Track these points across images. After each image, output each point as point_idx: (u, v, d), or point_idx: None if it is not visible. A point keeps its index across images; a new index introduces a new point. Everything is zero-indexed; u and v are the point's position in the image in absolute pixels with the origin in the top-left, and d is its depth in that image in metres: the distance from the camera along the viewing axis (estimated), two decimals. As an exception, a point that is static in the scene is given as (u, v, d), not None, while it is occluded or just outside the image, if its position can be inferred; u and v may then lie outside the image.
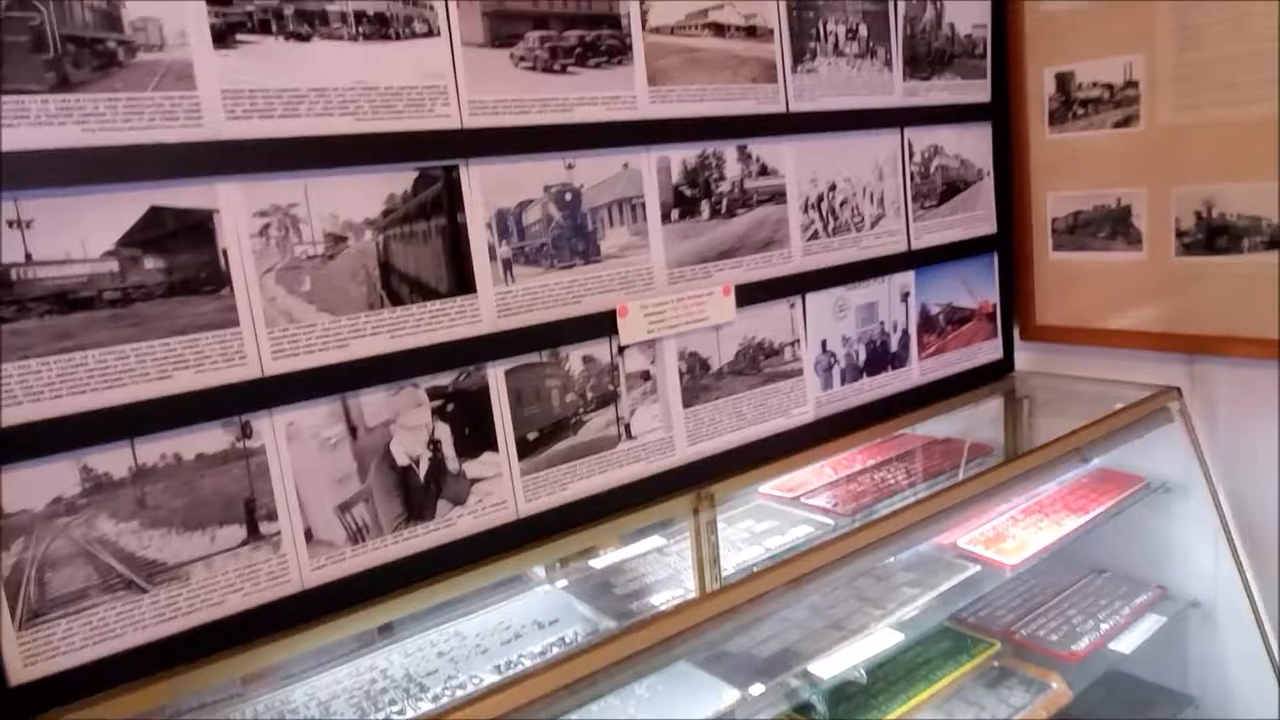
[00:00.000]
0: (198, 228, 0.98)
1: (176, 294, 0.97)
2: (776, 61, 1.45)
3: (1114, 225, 1.73)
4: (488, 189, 1.17)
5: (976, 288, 1.82)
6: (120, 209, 0.93)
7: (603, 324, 1.29)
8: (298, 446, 1.05)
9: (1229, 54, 1.52)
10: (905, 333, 1.69)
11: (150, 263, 0.95)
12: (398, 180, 1.10)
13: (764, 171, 1.46)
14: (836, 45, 1.53)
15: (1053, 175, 1.80)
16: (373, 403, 1.10)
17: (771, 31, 1.44)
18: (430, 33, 1.11)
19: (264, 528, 1.03)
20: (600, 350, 1.29)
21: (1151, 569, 1.79)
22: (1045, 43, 1.76)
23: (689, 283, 1.38)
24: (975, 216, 1.80)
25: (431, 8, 1.11)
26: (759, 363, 1.48)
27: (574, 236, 1.26)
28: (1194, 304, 1.65)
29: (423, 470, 1.15)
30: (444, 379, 1.16)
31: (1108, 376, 1.80)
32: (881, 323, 1.65)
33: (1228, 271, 1.59)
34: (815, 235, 1.54)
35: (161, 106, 0.95)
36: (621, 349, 1.31)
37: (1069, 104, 1.74)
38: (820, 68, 1.51)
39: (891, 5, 1.60)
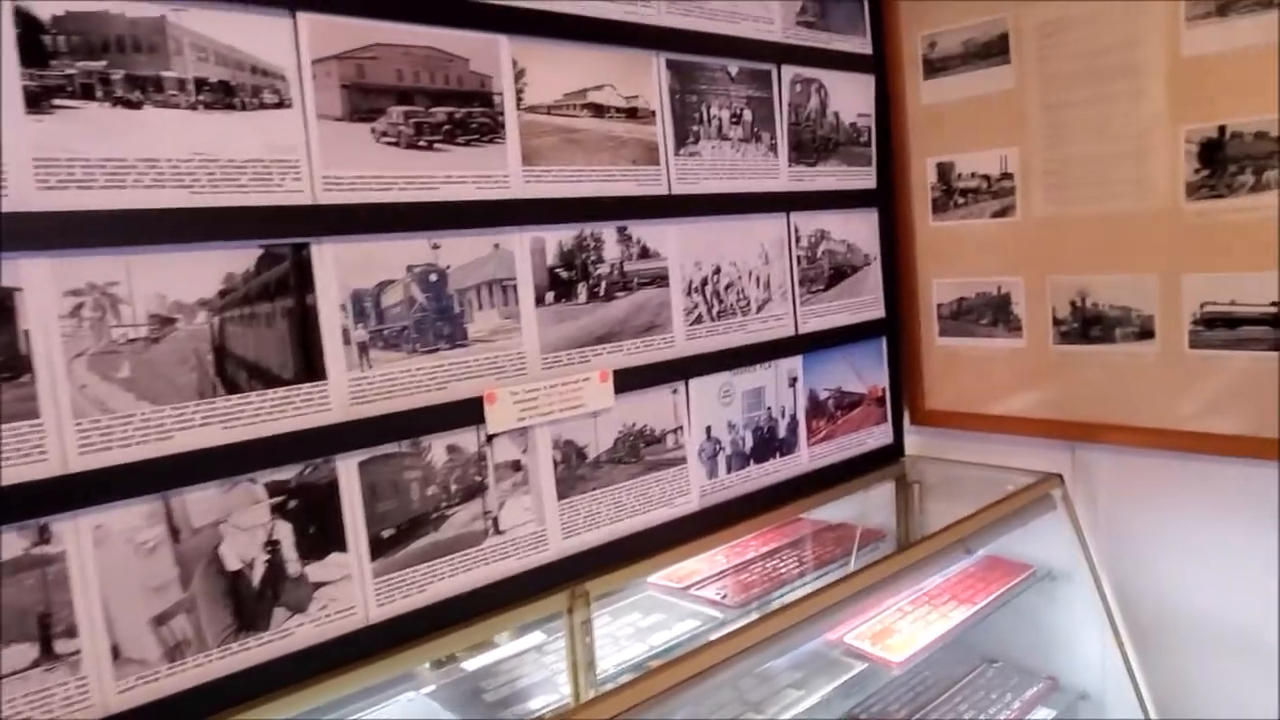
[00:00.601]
0: (-5, 307, 0.88)
1: (-35, 382, 0.86)
2: (659, 143, 1.43)
3: (995, 312, 1.75)
4: (343, 269, 1.10)
5: (865, 372, 1.81)
6: (-101, 286, 0.83)
7: (469, 412, 1.21)
8: (106, 552, 0.94)
9: (1093, 152, 1.56)
10: (793, 418, 1.66)
11: (-66, 347, 0.85)
12: (238, 259, 1.02)
13: (645, 254, 1.42)
14: (720, 129, 1.52)
15: (937, 262, 1.82)
16: (200, 501, 1.00)
17: (653, 114, 1.42)
18: (281, 104, 1.05)
19: (60, 646, 0.91)
20: (466, 439, 1.22)
21: (1042, 658, 1.77)
22: (927, 133, 1.79)
23: (565, 368, 1.32)
24: (863, 301, 1.80)
25: (283, 78, 1.05)
26: (640, 451, 1.42)
27: (439, 319, 1.19)
28: (1073, 391, 1.66)
29: (257, 575, 1.04)
30: (286, 473, 1.06)
31: (994, 462, 1.80)
32: (769, 408, 1.62)
33: (1103, 360, 1.61)
34: (699, 319, 1.50)
35: (-43, 174, 0.85)
36: (490, 438, 1.24)
37: (950, 193, 1.77)
38: (704, 151, 1.49)
39: (776, 92, 1.61)
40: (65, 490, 0.91)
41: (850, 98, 1.75)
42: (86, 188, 0.92)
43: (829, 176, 1.71)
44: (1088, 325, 1.62)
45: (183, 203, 0.98)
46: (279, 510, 1.06)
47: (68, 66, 0.91)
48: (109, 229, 0.93)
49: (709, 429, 1.52)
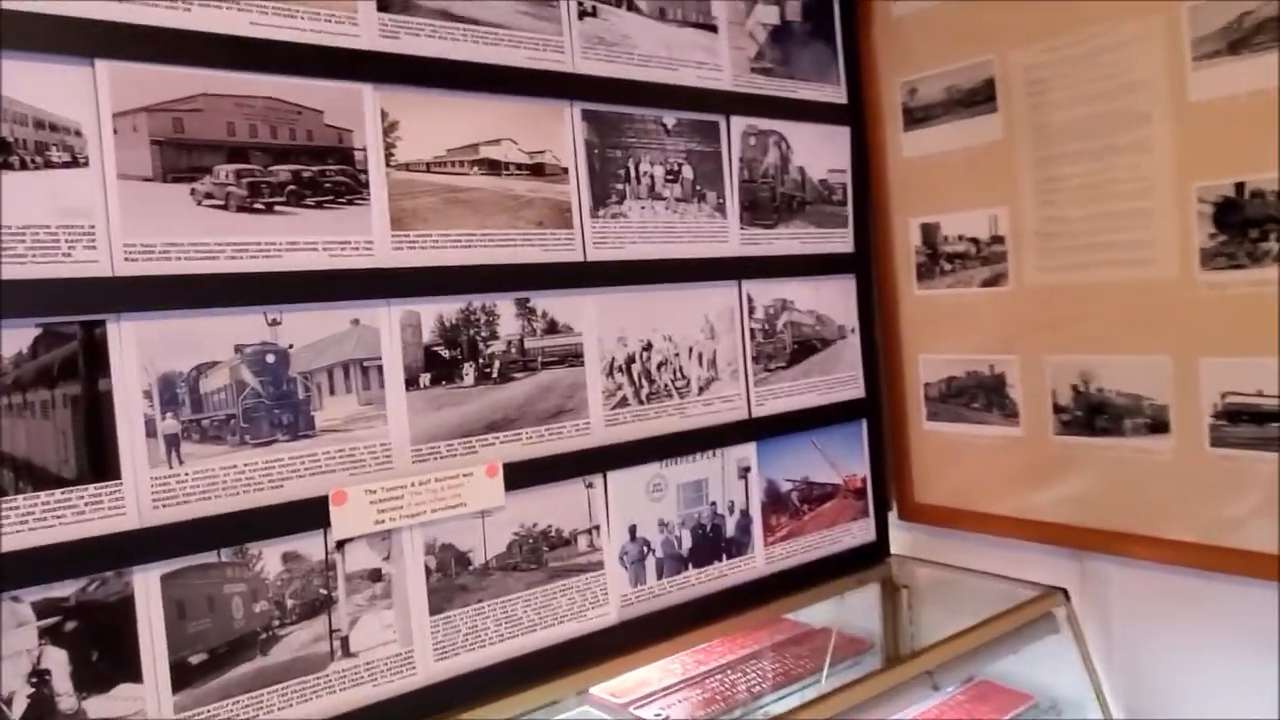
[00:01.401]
0: None
1: None
2: (572, 203, 1.26)
3: (988, 395, 1.51)
4: (150, 349, 0.95)
5: (840, 460, 1.59)
6: None
7: (312, 514, 1.04)
8: None
9: (1093, 213, 1.33)
10: (745, 514, 1.45)
11: None
12: (8, 339, 0.88)
13: (553, 329, 1.24)
14: (653, 188, 1.35)
15: (924, 335, 1.59)
16: (-55, 624, 0.85)
17: (565, 170, 1.26)
18: (74, 162, 0.91)
19: None
20: (309, 546, 1.05)
21: (1047, 806, 1.49)
22: (909, 191, 1.58)
23: (443, 460, 1.14)
24: (837, 379, 1.58)
25: (78, 134, 0.91)
26: (541, 555, 1.23)
27: (276, 406, 1.03)
28: (1079, 491, 1.41)
29: (17, 713, 0.88)
30: (63, 589, 0.90)
31: (993, 568, 1.55)
32: (713, 503, 1.41)
33: (1111, 456, 1.36)
34: (623, 402, 1.31)
35: None
36: (340, 544, 1.07)
37: (936, 258, 1.55)
38: (630, 212, 1.32)
39: (724, 146, 1.43)
40: None
41: (819, 151, 1.55)
42: None
43: (791, 239, 1.52)
44: (1092, 414, 1.38)
45: (-63, 276, 0.84)
46: (51, 633, 0.90)
47: None
48: None
49: (633, 528, 1.32)
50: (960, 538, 1.60)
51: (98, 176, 0.92)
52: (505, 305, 1.20)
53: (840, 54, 1.59)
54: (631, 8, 1.33)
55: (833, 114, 1.57)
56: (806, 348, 1.54)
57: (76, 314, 0.91)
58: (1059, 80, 1.36)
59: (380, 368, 1.10)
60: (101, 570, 0.92)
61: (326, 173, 1.06)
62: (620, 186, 1.31)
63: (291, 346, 1.04)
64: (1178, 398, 1.28)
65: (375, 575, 1.09)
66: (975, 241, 1.49)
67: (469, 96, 1.17)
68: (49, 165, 0.90)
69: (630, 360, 1.32)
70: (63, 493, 0.90)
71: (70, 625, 0.91)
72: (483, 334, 1.18)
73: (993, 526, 1.53)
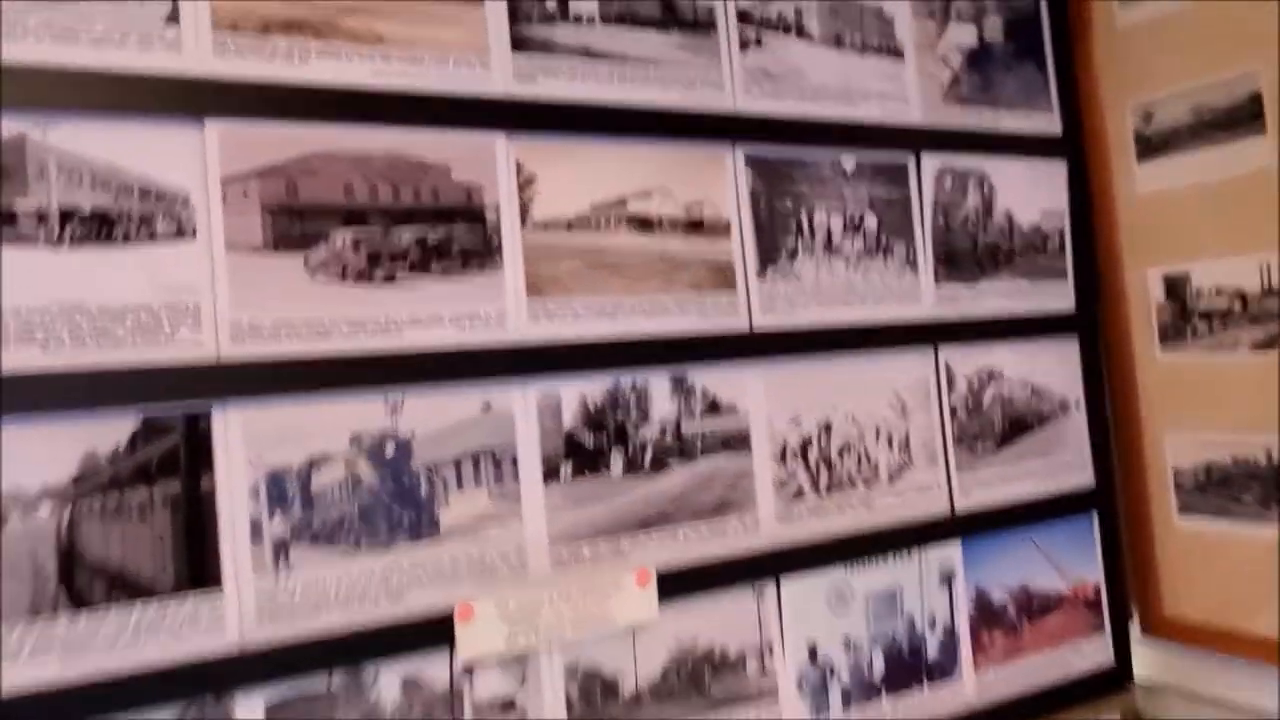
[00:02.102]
0: None
1: None
2: (735, 263, 1.08)
3: (1264, 488, 1.19)
4: (257, 441, 0.84)
5: (1067, 563, 1.30)
6: None
7: (436, 630, 0.89)
8: None
9: None
10: (950, 630, 1.19)
11: None
12: (105, 433, 0.78)
13: (714, 409, 1.06)
14: (830, 242, 1.15)
15: (1171, 409, 1.30)
16: (25, 758, 0.74)
17: (727, 225, 1.08)
18: (180, 233, 0.82)
19: None
20: (433, 670, 0.89)
21: None
22: (1146, 235, 1.31)
23: (585, 565, 0.97)
24: (1059, 463, 1.31)
25: (185, 202, 0.82)
26: (703, 680, 1.03)
27: (396, 504, 0.89)
28: (1407, 617, 1.07)
29: None
30: (160, 714, 0.79)
31: (1269, 705, 1.21)
32: (911, 617, 1.17)
33: None
34: (799, 494, 1.10)
35: None
36: (468, 668, 0.91)
37: (1186, 316, 1.26)
38: (803, 270, 1.13)
39: (914, 190, 1.21)
40: None
41: (1030, 192, 1.31)
42: (-103, 349, 0.73)
43: (998, 297, 1.27)
44: None
45: (30, 364, 0.76)
46: (141, 770, 0.78)
47: (-115, 201, 0.73)
48: (-79, 401, 0.73)
49: (814, 648, 1.10)
50: (1225, 663, 1.27)
51: (205, 248, 0.83)
52: (658, 383, 1.03)
53: (1052, 75, 1.35)
54: (802, 34, 1.15)
55: (1045, 147, 1.33)
56: (1019, 425, 1.28)
57: (180, 402, 0.81)
58: (1356, 87, 1.07)
59: (515, 458, 0.95)
60: (199, 693, 0.80)
61: (454, 236, 0.93)
62: (791, 242, 1.12)
63: (414, 435, 0.90)
64: None
65: (508, 705, 0.93)
66: (1240, 295, 1.20)
67: (616, 143, 1.02)
68: (153, 238, 0.81)
69: (806, 444, 1.11)
70: (161, 605, 0.79)
71: (161, 761, 0.79)
72: (632, 417, 1.01)
73: (1268, 652, 1.20)
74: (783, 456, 1.10)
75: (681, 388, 1.04)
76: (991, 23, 1.30)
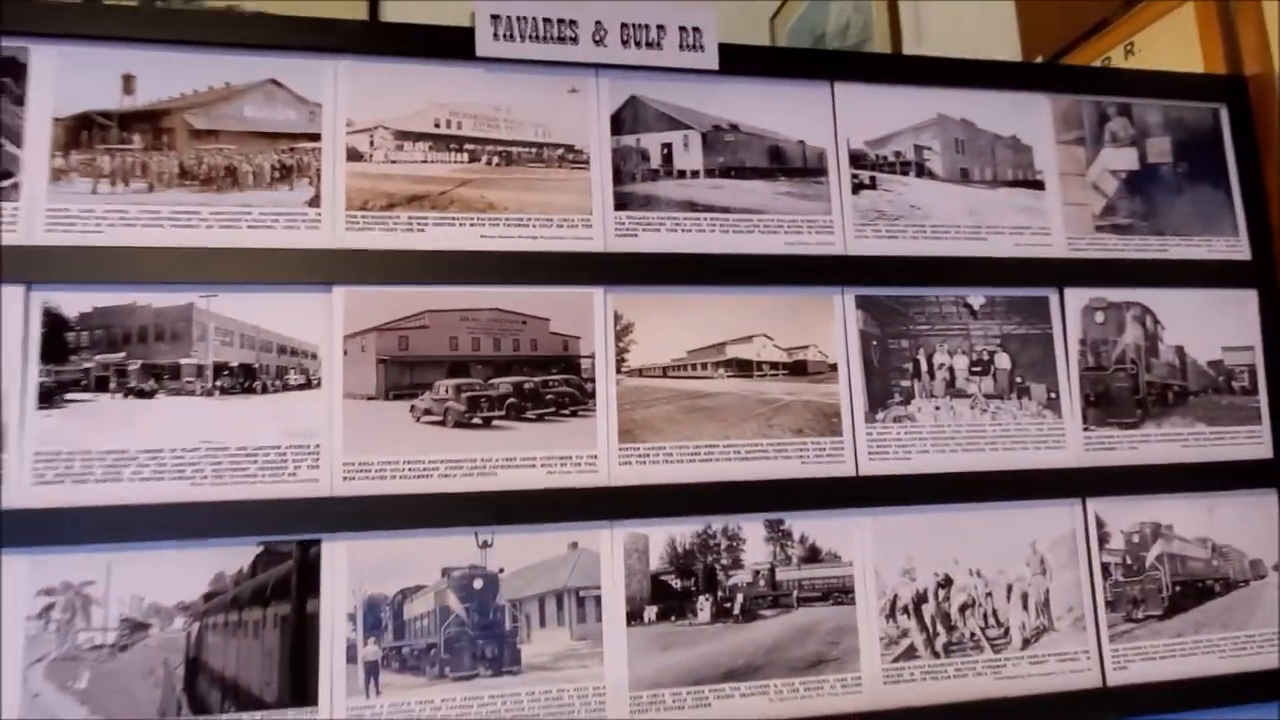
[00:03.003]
0: (-33, 605, 0.86)
1: (-75, 681, 0.84)
2: (841, 406, 1.06)
3: None
4: (359, 571, 0.93)
5: (1264, 757, 1.11)
6: (-116, 581, 0.85)
7: (513, 764, 0.93)
8: None
9: None
10: (1100, 824, 1.05)
11: (-96, 644, 0.85)
12: (232, 557, 0.91)
13: (814, 557, 1.03)
14: (952, 382, 1.09)
15: (1402, 585, 1.08)
16: (145, 842, 0.86)
17: (833, 367, 1.07)
18: (308, 384, 0.95)
19: None
20: (507, 801, 0.93)
21: None
22: (1360, 375, 1.12)
23: (669, 713, 0.97)
24: (1251, 639, 1.12)
25: (314, 356, 0.95)
26: None
27: (480, 637, 0.95)
28: None
29: None
30: (254, 821, 0.88)
31: None
32: (1047, 802, 1.04)
33: None
34: (909, 653, 1.03)
35: (-41, 471, 0.87)
36: (542, 803, 0.93)
37: None
38: (920, 413, 1.08)
39: (1058, 326, 1.13)
40: (-3, 812, 0.84)
41: (1207, 325, 1.17)
42: (81, 481, 0.89)
43: (1166, 442, 1.14)
44: None
45: (179, 496, 0.90)
46: None
47: (86, 360, 0.91)
48: (95, 525, 0.88)
49: (924, 826, 1.01)
50: None
51: (326, 397, 0.95)
52: (753, 528, 1.02)
53: (1238, 196, 1.21)
54: (923, 174, 1.13)
55: (1229, 274, 1.19)
56: (1197, 591, 1.12)
57: (294, 533, 0.92)
58: None
59: (598, 598, 0.98)
60: (290, 805, 0.89)
61: (549, 383, 1.00)
62: (906, 383, 1.08)
63: (502, 571, 0.96)
64: None
65: (579, 847, 0.94)
66: None
67: (716, 291, 1.05)
68: (286, 388, 0.94)
69: (920, 599, 1.05)
70: (264, 716, 0.89)
71: None
72: (723, 561, 1.01)
73: None
74: (892, 612, 1.04)
75: (777, 532, 1.03)
76: (1157, 144, 1.20)
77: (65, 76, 0.93)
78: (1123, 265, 1.15)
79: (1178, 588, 1.11)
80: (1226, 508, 1.14)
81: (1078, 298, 1.14)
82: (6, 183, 0.91)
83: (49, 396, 0.90)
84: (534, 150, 1.03)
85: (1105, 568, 1.10)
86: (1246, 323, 1.18)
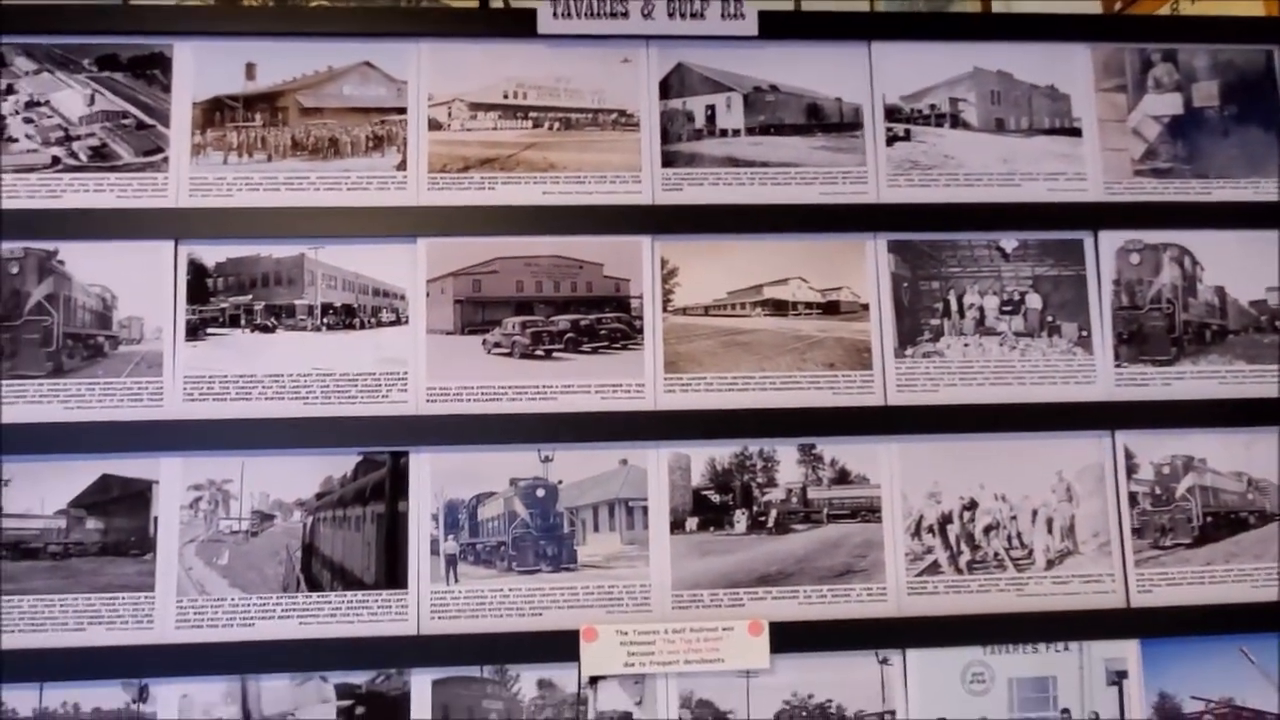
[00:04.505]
0: (137, 496, 1.08)
1: (107, 553, 1.07)
2: (872, 342, 1.15)
3: None
4: (441, 478, 1.10)
5: (1297, 684, 1.14)
6: (76, 475, 1.08)
7: (567, 645, 1.08)
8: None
9: None
10: (1118, 734, 1.12)
11: (91, 523, 1.07)
12: (338, 463, 1.10)
13: (843, 479, 1.13)
14: (981, 320, 1.16)
15: None
16: (273, 690, 1.06)
17: (865, 307, 1.16)
18: (397, 321, 1.12)
19: (126, 799, 1.04)
20: (565, 677, 1.08)
21: None
22: (1407, 311, 1.12)
23: (705, 610, 1.10)
24: (1288, 569, 1.15)
25: (403, 298, 1.12)
26: (816, 733, 1.09)
27: (543, 538, 1.10)
28: None
29: (310, 777, 1.05)
30: (357, 678, 1.07)
31: None
32: (1065, 711, 1.11)
33: None
34: (934, 568, 1.13)
35: (130, 390, 1.09)
36: (593, 680, 1.08)
37: None
38: (949, 349, 1.16)
39: (1093, 267, 1.18)
40: (162, 658, 1.05)
41: (1251, 266, 1.19)
42: (221, 399, 1.10)
43: (1202, 379, 1.17)
44: None
45: (296, 412, 1.10)
46: (346, 714, 1.06)
47: (221, 302, 1.11)
48: (231, 434, 1.08)
49: (943, 723, 1.11)
50: None
51: (412, 332, 1.12)
52: (786, 451, 1.13)
53: (1287, 137, 1.21)
54: (958, 124, 1.19)
55: (1274, 216, 1.20)
56: (1230, 522, 1.15)
57: (388, 445, 1.10)
58: None
59: (645, 508, 1.11)
60: (386, 666, 1.07)
61: (603, 320, 1.13)
62: (935, 321, 1.16)
63: (561, 482, 1.11)
64: None
65: (626, 718, 1.08)
66: None
67: (754, 238, 1.16)
68: (379, 325, 1.12)
69: (945, 520, 1.13)
70: (365, 594, 1.08)
71: (360, 710, 1.07)
72: (759, 480, 1.13)
73: None
74: (918, 530, 1.13)
75: (810, 456, 1.13)
76: (1204, 88, 1.21)
77: (201, 67, 1.13)
78: (1161, 208, 1.19)
79: (1209, 519, 1.15)
80: (1267, 444, 1.17)
81: (1112, 240, 1.18)
82: (158, 157, 1.12)
83: (194, 331, 1.11)
84: (590, 115, 1.17)
85: (1133, 497, 1.15)
86: (1294, 263, 1.20)
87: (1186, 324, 1.18)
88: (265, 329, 1.11)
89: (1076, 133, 1.20)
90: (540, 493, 1.11)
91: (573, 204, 1.14)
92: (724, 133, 1.17)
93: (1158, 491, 1.15)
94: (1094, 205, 1.19)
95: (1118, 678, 1.13)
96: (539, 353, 1.13)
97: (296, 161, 1.14)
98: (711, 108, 1.18)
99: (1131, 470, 1.15)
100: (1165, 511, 1.15)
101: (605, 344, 1.13)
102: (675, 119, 1.17)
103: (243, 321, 1.11)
